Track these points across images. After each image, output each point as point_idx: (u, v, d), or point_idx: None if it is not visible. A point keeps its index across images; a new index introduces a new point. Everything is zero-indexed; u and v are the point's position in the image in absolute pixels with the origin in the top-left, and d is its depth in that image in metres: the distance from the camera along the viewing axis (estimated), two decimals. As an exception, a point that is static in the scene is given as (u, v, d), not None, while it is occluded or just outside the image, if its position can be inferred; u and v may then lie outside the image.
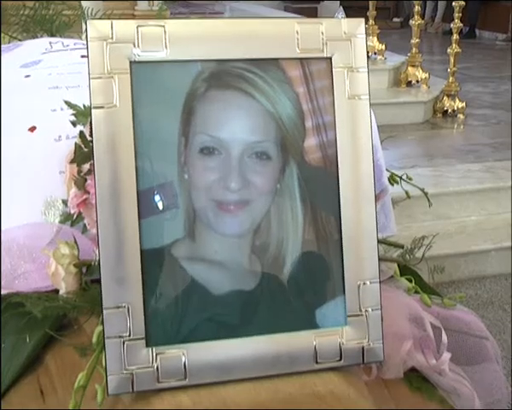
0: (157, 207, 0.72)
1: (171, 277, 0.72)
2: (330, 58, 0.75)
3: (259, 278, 0.74)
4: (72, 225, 0.87)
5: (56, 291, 0.87)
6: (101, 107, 0.70)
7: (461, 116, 4.76)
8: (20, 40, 1.40)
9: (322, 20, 0.76)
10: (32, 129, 0.94)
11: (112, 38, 0.71)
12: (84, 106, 0.86)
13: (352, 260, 0.76)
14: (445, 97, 4.75)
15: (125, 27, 0.72)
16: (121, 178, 0.71)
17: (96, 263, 0.83)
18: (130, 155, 0.71)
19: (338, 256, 0.76)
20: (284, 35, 0.75)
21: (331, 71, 0.75)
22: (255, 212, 0.74)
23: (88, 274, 0.83)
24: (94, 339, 0.78)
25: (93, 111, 0.70)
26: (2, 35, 1.48)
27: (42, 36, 1.48)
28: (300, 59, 0.75)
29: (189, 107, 0.73)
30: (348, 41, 0.76)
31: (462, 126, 4.73)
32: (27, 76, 1.02)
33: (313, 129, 0.75)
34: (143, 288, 0.71)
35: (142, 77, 0.71)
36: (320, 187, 0.76)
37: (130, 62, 0.71)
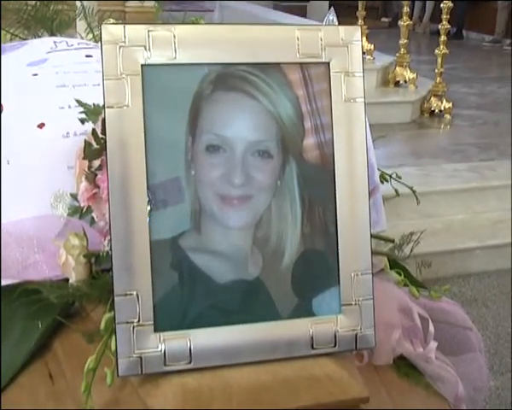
0: (165, 201, 0.76)
1: (177, 266, 0.77)
2: (328, 63, 0.80)
3: (260, 268, 0.79)
4: (80, 218, 0.92)
5: (65, 280, 0.91)
6: (114, 106, 0.75)
7: (447, 116, 4.83)
8: (21, 38, 1.44)
9: (321, 27, 0.81)
10: (41, 125, 0.99)
11: (124, 41, 0.76)
12: (93, 104, 0.91)
13: (346, 252, 0.81)
14: (432, 97, 4.83)
15: (136, 32, 0.76)
16: (132, 174, 0.75)
17: (105, 254, 0.87)
18: (140, 152, 0.75)
19: (333, 249, 0.81)
20: (285, 41, 0.80)
21: (329, 75, 0.80)
22: (257, 206, 0.79)
23: (96, 264, 0.88)
24: (102, 325, 0.82)
25: (106, 110, 0.75)
26: (4, 33, 1.52)
27: (42, 34, 1.52)
28: (300, 63, 0.80)
29: (195, 107, 0.77)
30: (345, 47, 0.81)
31: (448, 126, 4.81)
32: (35, 74, 1.06)
33: (312, 129, 0.80)
34: (152, 276, 0.75)
35: (152, 79, 0.76)
36: (317, 184, 0.81)
37: (142, 65, 0.76)
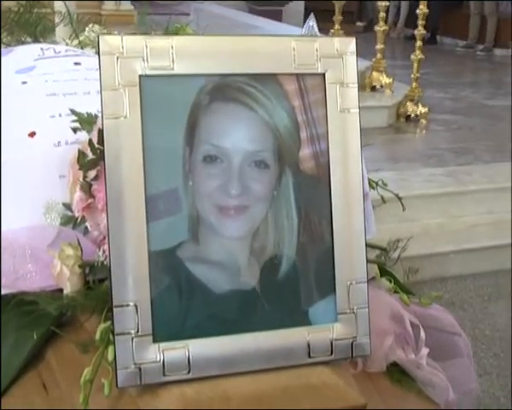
0: (163, 212, 0.77)
1: (176, 277, 0.77)
2: (324, 74, 0.81)
3: (257, 277, 0.80)
4: (73, 228, 0.91)
5: (58, 291, 0.90)
6: (112, 117, 0.75)
7: (423, 121, 4.89)
8: (5, 44, 1.43)
9: (317, 38, 0.82)
10: (32, 134, 0.98)
11: (122, 52, 0.76)
12: (87, 113, 0.90)
13: (342, 261, 0.82)
14: (408, 102, 4.87)
15: (134, 42, 0.76)
16: (130, 184, 0.75)
17: (99, 264, 0.87)
18: (138, 163, 0.75)
19: (329, 258, 0.82)
20: (281, 52, 0.80)
21: (324, 86, 0.81)
22: (254, 216, 0.79)
23: (91, 274, 0.87)
24: (97, 336, 0.82)
25: (104, 121, 0.75)
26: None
27: (25, 39, 1.51)
28: (296, 74, 0.81)
29: (193, 118, 0.78)
30: (340, 58, 0.82)
31: (424, 131, 4.86)
32: (24, 82, 1.05)
33: (307, 139, 0.81)
34: (150, 287, 0.76)
35: (150, 89, 0.76)
36: (313, 194, 0.82)
37: (140, 76, 0.76)
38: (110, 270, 0.75)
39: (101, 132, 0.81)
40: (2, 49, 1.20)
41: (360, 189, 0.83)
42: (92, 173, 0.82)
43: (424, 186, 3.77)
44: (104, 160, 0.75)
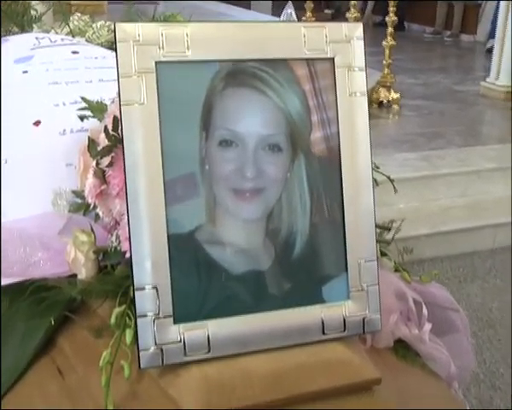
0: (181, 196, 0.78)
1: (194, 259, 0.79)
2: (333, 59, 0.83)
3: (273, 258, 0.82)
4: (84, 215, 0.92)
5: (69, 277, 0.91)
6: (130, 104, 0.76)
7: (396, 107, 4.95)
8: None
9: (326, 24, 0.84)
10: (37, 123, 0.98)
11: (138, 40, 0.77)
12: (97, 101, 0.91)
13: (353, 241, 0.84)
14: (380, 88, 4.93)
15: (150, 30, 0.77)
16: (149, 170, 0.76)
17: (113, 249, 0.88)
18: (156, 149, 0.77)
19: (341, 238, 0.84)
20: (292, 38, 0.82)
21: (334, 70, 0.83)
22: (268, 199, 0.81)
23: (104, 260, 0.88)
24: (112, 320, 0.83)
25: (122, 107, 0.76)
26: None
27: (12, 29, 1.51)
28: (307, 59, 0.83)
29: (208, 103, 0.79)
30: (348, 43, 0.84)
31: (397, 117, 4.93)
32: (25, 72, 1.05)
33: (318, 123, 0.83)
34: (170, 270, 0.77)
35: (166, 76, 0.77)
36: (324, 176, 0.84)
37: (156, 63, 0.77)
38: (130, 254, 0.76)
39: (115, 119, 0.83)
40: (-4, 40, 1.20)
41: (369, 170, 0.85)
42: (106, 160, 0.83)
43: (399, 171, 3.82)
44: (122, 146, 0.76)
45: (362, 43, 0.85)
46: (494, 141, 4.70)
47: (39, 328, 0.92)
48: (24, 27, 1.54)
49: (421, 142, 4.39)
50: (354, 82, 0.84)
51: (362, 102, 0.85)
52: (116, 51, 0.76)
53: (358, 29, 0.85)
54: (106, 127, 0.81)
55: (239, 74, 0.80)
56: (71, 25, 1.50)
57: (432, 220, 3.69)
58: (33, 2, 1.68)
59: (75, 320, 0.91)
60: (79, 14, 1.56)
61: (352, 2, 5.09)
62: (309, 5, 5.33)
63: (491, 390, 2.63)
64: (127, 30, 0.77)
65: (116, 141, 0.82)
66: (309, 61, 0.83)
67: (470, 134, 4.74)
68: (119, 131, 0.79)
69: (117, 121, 0.81)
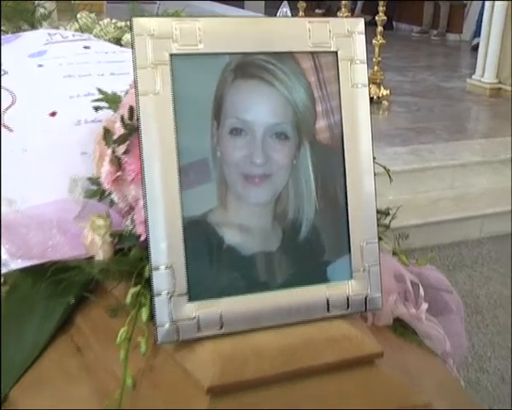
0: (194, 181, 0.83)
1: (207, 240, 0.84)
2: (336, 52, 0.89)
3: (280, 240, 0.87)
4: (100, 200, 0.97)
5: (86, 260, 0.96)
6: (146, 94, 0.81)
7: (385, 103, 5.02)
8: (4, 31, 1.46)
9: (329, 20, 0.89)
10: (53, 114, 1.03)
11: (153, 34, 0.81)
12: (112, 93, 0.96)
13: (355, 223, 0.90)
14: (370, 85, 4.99)
15: (164, 24, 0.82)
16: (164, 156, 0.81)
17: (127, 233, 0.93)
18: (171, 136, 0.81)
19: (344, 221, 0.89)
20: (298, 32, 0.87)
21: (337, 63, 0.89)
22: (276, 184, 0.86)
23: (121, 243, 0.93)
24: (128, 299, 0.88)
25: (139, 98, 0.80)
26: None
27: (22, 26, 1.55)
28: (311, 53, 0.88)
29: (219, 94, 0.84)
30: (350, 37, 0.89)
31: (386, 112, 5.00)
32: (40, 65, 1.10)
33: (323, 113, 0.88)
34: (185, 250, 0.82)
35: (180, 67, 0.82)
36: (328, 162, 0.89)
37: (170, 55, 0.82)
38: (147, 235, 0.81)
39: (131, 109, 0.87)
40: (9, 35, 1.24)
41: (370, 157, 0.90)
42: (122, 148, 0.88)
43: (390, 164, 3.84)
44: (139, 134, 0.80)
45: (363, 37, 0.90)
46: (480, 135, 4.80)
47: (58, 307, 0.97)
48: (34, 24, 1.58)
49: (411, 136, 4.46)
50: (356, 74, 0.89)
51: (363, 93, 0.90)
52: (133, 44, 0.81)
53: (360, 24, 0.90)
54: (122, 117, 0.86)
55: (248, 67, 0.85)
56: (80, 22, 1.55)
57: (421, 211, 3.77)
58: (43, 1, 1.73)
59: (92, 300, 0.96)
60: (87, 12, 1.61)
61: (343, 2, 5.14)
62: (301, 5, 5.38)
63: (478, 373, 2.71)
64: (143, 24, 0.81)
65: (132, 129, 0.87)
66: (313, 55, 0.88)
67: (457, 129, 4.82)
68: (135, 120, 0.84)
69: (132, 111, 0.86)
